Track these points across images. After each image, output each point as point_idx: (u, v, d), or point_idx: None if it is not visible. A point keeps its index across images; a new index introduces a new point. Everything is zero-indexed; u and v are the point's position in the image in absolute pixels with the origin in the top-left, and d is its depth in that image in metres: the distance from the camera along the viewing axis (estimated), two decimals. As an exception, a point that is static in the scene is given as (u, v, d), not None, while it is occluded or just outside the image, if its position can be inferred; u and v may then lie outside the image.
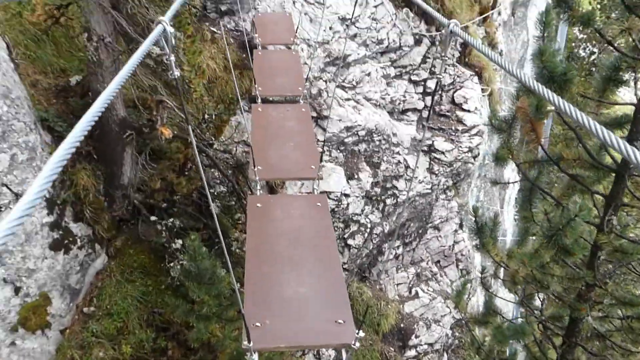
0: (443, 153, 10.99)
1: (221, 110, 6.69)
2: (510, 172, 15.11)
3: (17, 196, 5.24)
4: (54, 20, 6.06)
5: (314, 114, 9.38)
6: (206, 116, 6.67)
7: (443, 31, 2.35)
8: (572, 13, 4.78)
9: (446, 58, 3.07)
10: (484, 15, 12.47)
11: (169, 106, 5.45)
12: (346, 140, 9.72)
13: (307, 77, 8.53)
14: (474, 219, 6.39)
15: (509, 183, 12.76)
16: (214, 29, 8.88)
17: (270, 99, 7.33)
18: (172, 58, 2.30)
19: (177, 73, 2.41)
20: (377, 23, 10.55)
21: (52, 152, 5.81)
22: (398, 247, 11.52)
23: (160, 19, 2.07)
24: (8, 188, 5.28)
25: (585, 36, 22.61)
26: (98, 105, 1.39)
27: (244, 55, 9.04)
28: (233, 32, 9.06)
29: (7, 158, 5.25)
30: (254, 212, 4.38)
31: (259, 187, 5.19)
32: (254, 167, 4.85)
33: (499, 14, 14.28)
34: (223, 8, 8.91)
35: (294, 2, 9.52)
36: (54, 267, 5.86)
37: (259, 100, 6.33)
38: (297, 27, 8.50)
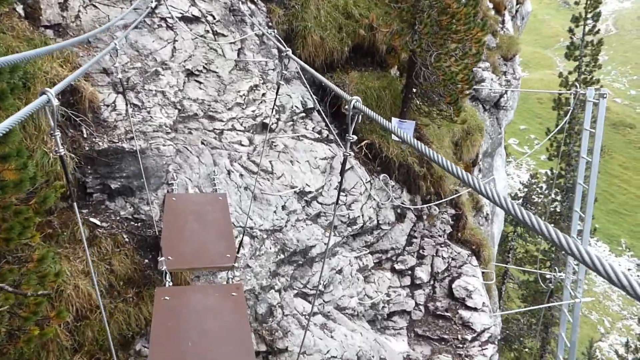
0: (452, 379, 7.49)
1: None
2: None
3: None
4: None
5: (263, 348, 5.80)
6: None
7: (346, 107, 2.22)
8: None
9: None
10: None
11: None
12: (314, 382, 6.09)
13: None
14: None
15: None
16: (96, 221, 5.43)
17: None
18: (58, 133, 2.27)
19: (62, 151, 2.42)
20: (346, 195, 7.50)
21: None
22: None
23: (45, 89, 1.98)
24: None
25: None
26: None
27: (146, 261, 5.57)
28: (130, 223, 5.62)
29: None
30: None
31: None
32: None
33: (480, 170, 11.98)
34: (113, 185, 5.54)
35: (229, 173, 6.33)
36: None
37: None
38: (242, 240, 5.15)
